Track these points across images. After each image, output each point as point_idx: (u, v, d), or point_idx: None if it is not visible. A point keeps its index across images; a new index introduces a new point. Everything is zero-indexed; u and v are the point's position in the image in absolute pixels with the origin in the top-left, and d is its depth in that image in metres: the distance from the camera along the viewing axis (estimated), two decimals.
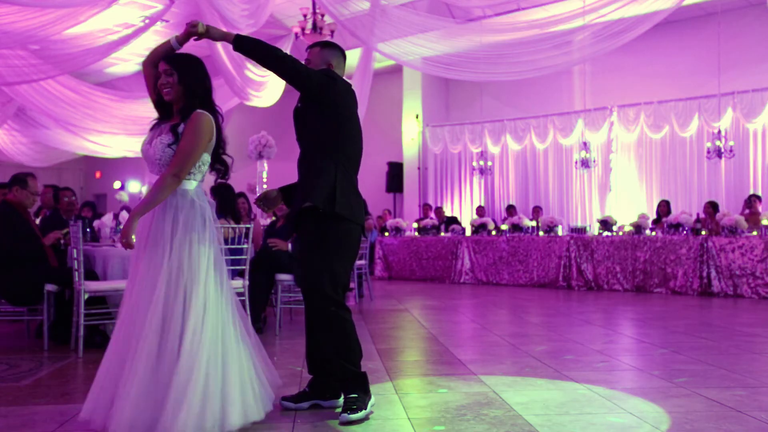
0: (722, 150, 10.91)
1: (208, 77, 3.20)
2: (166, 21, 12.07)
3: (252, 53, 3.23)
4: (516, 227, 11.14)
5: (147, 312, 2.92)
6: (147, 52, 3.26)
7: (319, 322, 3.35)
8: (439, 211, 13.67)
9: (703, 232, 9.31)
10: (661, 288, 9.30)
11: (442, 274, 11.60)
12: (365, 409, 3.28)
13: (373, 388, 3.48)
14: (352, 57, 9.75)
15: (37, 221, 6.69)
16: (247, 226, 5.51)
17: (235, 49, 3.21)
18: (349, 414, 3.23)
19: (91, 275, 5.36)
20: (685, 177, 12.27)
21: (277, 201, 3.60)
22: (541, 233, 10.80)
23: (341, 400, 3.41)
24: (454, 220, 13.00)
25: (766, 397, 3.68)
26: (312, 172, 3.35)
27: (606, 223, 10.39)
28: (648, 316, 7.09)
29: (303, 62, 3.45)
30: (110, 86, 14.57)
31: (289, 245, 6.00)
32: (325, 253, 3.32)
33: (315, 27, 10.69)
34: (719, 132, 11.07)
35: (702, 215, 10.30)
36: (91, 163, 20.08)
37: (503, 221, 12.03)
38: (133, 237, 2.94)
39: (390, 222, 12.65)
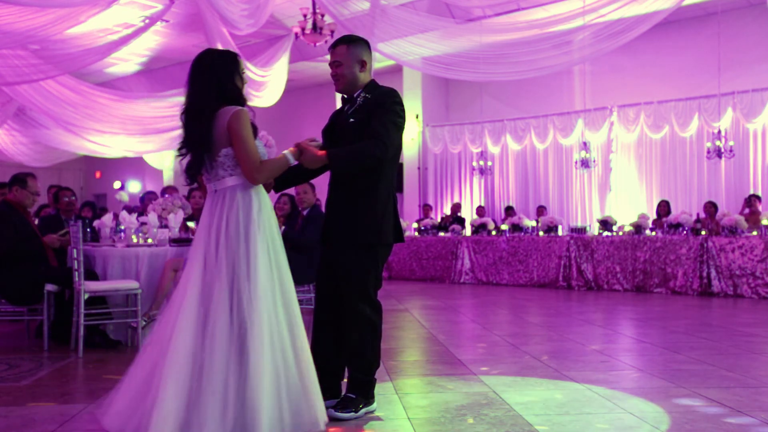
0: (722, 150, 10.90)
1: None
2: (166, 21, 12.08)
3: (350, 168, 3.26)
4: (516, 227, 11.14)
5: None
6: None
7: (351, 321, 3.35)
8: (456, 206, 13.64)
9: (703, 232, 9.31)
10: (661, 288, 9.29)
11: (442, 274, 11.60)
12: (355, 412, 3.28)
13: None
14: None
15: (36, 221, 6.69)
16: None
17: (334, 168, 3.24)
18: (336, 411, 3.26)
19: (91, 275, 5.36)
20: (685, 177, 12.26)
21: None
22: (541, 233, 10.80)
23: None
24: (460, 221, 12.99)
25: (766, 397, 3.68)
26: (373, 204, 3.32)
27: (606, 223, 10.39)
28: (648, 316, 7.09)
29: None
30: (110, 86, 14.56)
31: (282, 227, 6.03)
32: (370, 259, 3.35)
33: (315, 27, 10.69)
34: (719, 132, 11.06)
35: (702, 215, 10.30)
36: (91, 163, 20.08)
37: (503, 221, 12.03)
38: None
39: None
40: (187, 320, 2.86)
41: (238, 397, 2.77)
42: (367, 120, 3.31)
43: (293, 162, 3.16)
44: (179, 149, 3.08)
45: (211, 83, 3.03)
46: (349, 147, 3.24)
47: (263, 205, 3.05)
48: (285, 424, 2.82)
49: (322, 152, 3.17)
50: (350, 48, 3.37)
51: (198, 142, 3.00)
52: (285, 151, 3.16)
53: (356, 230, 3.31)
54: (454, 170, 14.97)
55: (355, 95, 3.41)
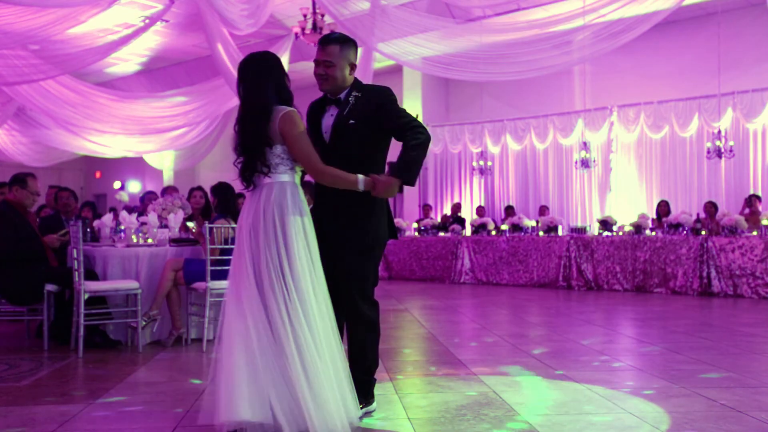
0: (722, 150, 10.90)
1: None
2: (166, 21, 12.08)
3: (418, 170, 3.23)
4: (516, 227, 11.14)
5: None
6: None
7: (352, 321, 3.36)
8: (457, 206, 13.65)
9: (703, 232, 9.31)
10: (661, 288, 9.29)
11: (442, 274, 11.60)
12: None
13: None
14: None
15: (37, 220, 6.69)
16: None
17: (411, 184, 3.18)
18: None
19: (91, 275, 5.36)
20: (685, 177, 12.26)
21: None
22: (541, 233, 10.80)
23: None
24: (460, 221, 12.99)
25: (766, 397, 3.68)
26: (369, 206, 3.31)
27: (606, 223, 10.39)
28: (648, 316, 7.09)
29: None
30: (110, 86, 14.56)
31: None
32: (370, 260, 3.36)
33: (315, 27, 10.69)
34: (719, 132, 11.06)
35: (702, 215, 10.30)
36: (91, 163, 20.08)
37: (503, 221, 12.03)
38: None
39: None
40: (249, 320, 2.91)
41: (310, 396, 2.84)
42: (367, 120, 3.26)
43: (361, 188, 3.12)
44: (238, 150, 3.08)
45: (270, 83, 3.08)
46: (401, 156, 3.17)
47: (302, 203, 3.10)
48: (348, 416, 2.93)
49: (389, 179, 3.11)
50: (343, 49, 3.28)
51: (264, 140, 3.04)
52: (360, 176, 3.13)
53: (354, 235, 3.29)
54: (454, 170, 14.97)
55: (342, 96, 3.33)
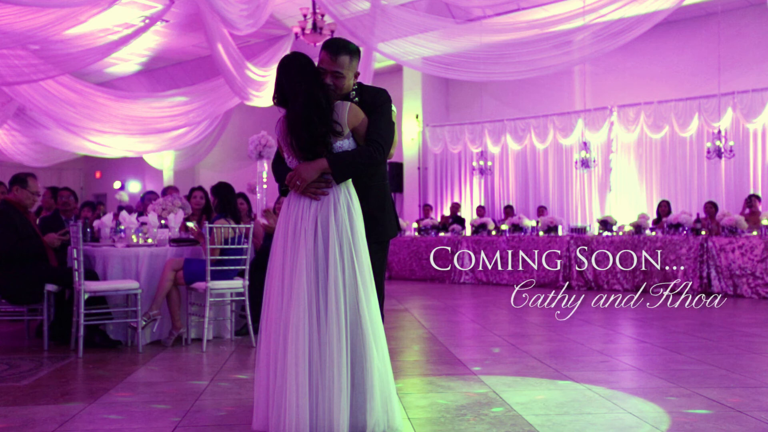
0: (722, 150, 10.90)
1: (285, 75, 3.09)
2: (166, 21, 12.08)
3: (349, 174, 3.13)
4: (516, 227, 11.14)
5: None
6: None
7: None
8: (455, 206, 13.65)
9: (703, 232, 9.31)
10: (661, 288, 9.28)
11: (442, 274, 11.59)
12: None
13: None
14: None
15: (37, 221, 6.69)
16: (247, 226, 5.53)
17: (339, 180, 3.09)
18: None
19: (91, 275, 5.36)
20: (685, 177, 12.26)
21: None
22: (540, 233, 10.80)
23: None
24: (460, 221, 12.98)
25: (766, 397, 3.68)
26: (383, 200, 3.32)
27: (606, 223, 10.39)
28: (648, 316, 7.09)
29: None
30: (110, 86, 14.57)
31: None
32: (385, 252, 3.38)
33: (315, 27, 10.68)
34: (719, 132, 11.06)
35: (702, 215, 10.30)
36: (91, 163, 20.07)
37: (502, 221, 12.03)
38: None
39: None
40: (302, 315, 2.90)
41: (380, 394, 2.90)
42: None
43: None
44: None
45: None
46: (350, 152, 3.12)
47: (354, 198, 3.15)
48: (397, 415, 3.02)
49: (312, 164, 3.07)
50: (352, 60, 3.22)
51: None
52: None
53: (374, 228, 3.28)
54: (454, 170, 14.97)
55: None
